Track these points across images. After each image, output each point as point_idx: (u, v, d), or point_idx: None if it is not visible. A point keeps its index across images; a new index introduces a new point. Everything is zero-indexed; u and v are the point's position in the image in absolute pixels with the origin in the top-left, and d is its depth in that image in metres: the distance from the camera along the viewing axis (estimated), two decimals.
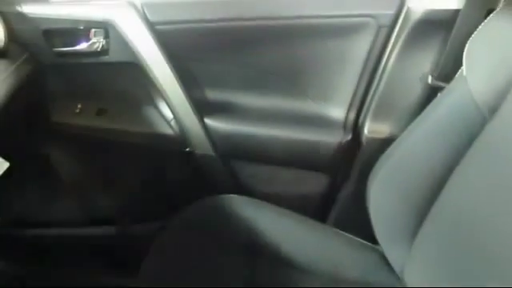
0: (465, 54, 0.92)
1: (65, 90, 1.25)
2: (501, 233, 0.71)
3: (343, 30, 1.13)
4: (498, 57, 0.85)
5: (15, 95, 0.97)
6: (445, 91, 0.97)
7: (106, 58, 1.15)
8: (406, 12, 1.06)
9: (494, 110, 0.82)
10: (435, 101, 0.98)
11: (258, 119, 1.26)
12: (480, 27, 0.91)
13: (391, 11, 1.07)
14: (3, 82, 0.95)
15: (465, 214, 0.84)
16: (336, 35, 1.13)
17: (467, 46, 0.92)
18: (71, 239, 1.45)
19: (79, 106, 1.27)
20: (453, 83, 0.95)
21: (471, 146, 0.86)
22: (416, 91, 1.11)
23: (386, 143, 1.09)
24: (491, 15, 0.89)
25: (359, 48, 1.14)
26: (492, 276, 0.65)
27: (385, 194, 1.05)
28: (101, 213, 1.44)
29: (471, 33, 0.92)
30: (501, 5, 0.90)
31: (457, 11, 1.00)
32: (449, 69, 1.01)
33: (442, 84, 1.02)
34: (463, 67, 0.92)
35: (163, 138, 1.27)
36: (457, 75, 0.94)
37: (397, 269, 1.02)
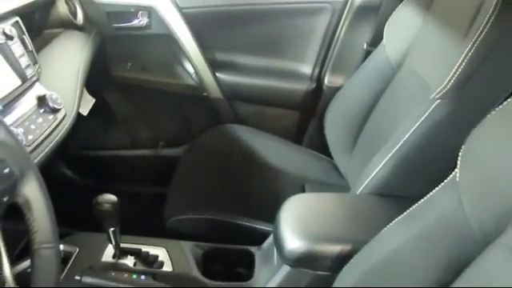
0: (385, 29, 1.27)
1: (120, 53, 1.55)
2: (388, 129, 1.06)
3: (310, 12, 1.48)
4: (403, 31, 1.18)
5: (91, 57, 1.30)
6: (373, 54, 1.31)
7: (148, 31, 1.47)
8: (351, 0, 1.42)
9: (400, 65, 1.18)
10: (367, 60, 1.32)
11: (252, 73, 1.57)
12: (395, 11, 1.25)
13: None
14: (87, 49, 1.29)
15: (379, 127, 1.18)
16: (304, 15, 1.48)
17: (387, 24, 1.27)
18: (120, 159, 1.72)
19: (129, 64, 1.56)
20: (377, 48, 1.29)
21: (386, 89, 1.21)
22: (357, 54, 1.45)
23: (338, 89, 1.41)
24: (401, 3, 1.23)
25: (320, 24, 1.49)
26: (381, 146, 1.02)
27: (335, 122, 1.37)
28: (142, 139, 1.71)
29: (390, 15, 1.27)
30: None
31: (382, 0, 1.37)
32: (376, 39, 1.33)
33: (372, 49, 1.34)
34: (384, 38, 1.27)
35: (187, 86, 1.58)
36: (380, 43, 1.27)
37: (343, 172, 1.34)
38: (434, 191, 0.68)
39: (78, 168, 1.69)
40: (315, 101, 1.56)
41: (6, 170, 0.57)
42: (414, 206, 0.69)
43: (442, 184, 0.67)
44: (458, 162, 0.64)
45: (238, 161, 1.39)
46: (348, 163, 1.30)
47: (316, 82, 1.56)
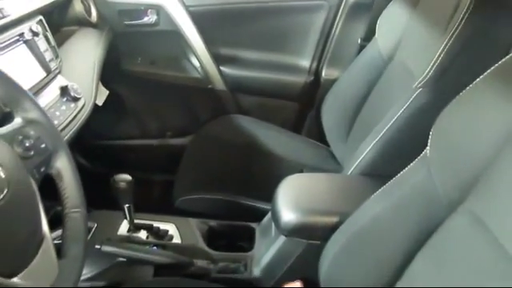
0: (377, 25, 1.36)
1: (130, 48, 1.64)
2: (379, 117, 1.14)
3: (308, 9, 1.58)
4: (393, 26, 1.26)
5: (105, 52, 1.40)
6: (366, 48, 1.40)
7: (157, 28, 1.57)
8: None
9: (390, 58, 1.26)
10: (361, 54, 1.41)
11: (254, 67, 1.66)
12: (386, 9, 1.34)
13: None
14: (101, 45, 1.39)
15: (371, 115, 1.25)
16: (303, 12, 1.58)
17: (379, 20, 1.36)
18: (130, 148, 1.81)
19: (139, 58, 1.66)
20: (370, 43, 1.38)
21: (378, 81, 1.29)
22: (352, 48, 1.55)
23: (335, 81, 1.48)
24: (392, 1, 1.32)
25: (318, 21, 1.59)
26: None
27: (331, 112, 1.45)
28: (151, 130, 1.80)
29: (381, 12, 1.36)
30: None
31: None
32: (369, 34, 1.43)
33: (365, 43, 1.43)
34: (376, 33, 1.36)
35: (193, 79, 1.66)
36: (373, 38, 1.36)
37: (339, 159, 1.41)
38: (408, 166, 0.78)
39: (91, 157, 1.78)
40: (313, 92, 1.65)
41: (43, 146, 0.68)
42: (391, 180, 0.79)
43: (416, 160, 0.77)
44: (429, 140, 0.74)
45: (240, 148, 1.49)
46: (343, 150, 1.38)
47: (314, 75, 1.66)
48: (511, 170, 0.57)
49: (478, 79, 0.69)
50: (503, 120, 0.61)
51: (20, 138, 0.64)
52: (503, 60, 0.66)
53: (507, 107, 0.61)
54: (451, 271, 0.63)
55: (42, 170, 0.68)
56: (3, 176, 0.57)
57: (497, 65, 0.66)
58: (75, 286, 0.64)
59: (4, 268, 0.55)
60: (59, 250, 0.67)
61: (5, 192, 0.56)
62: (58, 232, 0.72)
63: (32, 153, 0.65)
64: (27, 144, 0.65)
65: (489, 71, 0.67)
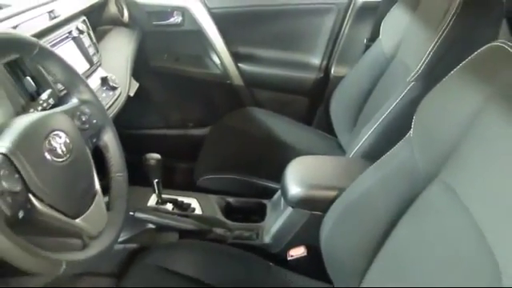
0: (381, 27, 1.48)
1: (157, 46, 1.78)
2: (377, 104, 1.26)
3: (319, 12, 1.71)
4: (396, 28, 1.37)
5: (136, 49, 1.54)
6: (371, 47, 1.52)
7: (182, 28, 1.71)
8: (354, 2, 1.65)
9: (393, 56, 1.37)
10: (366, 53, 1.54)
11: (269, 64, 1.79)
12: (389, 12, 1.46)
13: (345, 1, 1.66)
14: (133, 42, 1.54)
15: (374, 108, 1.32)
16: (314, 15, 1.71)
17: (383, 22, 1.48)
18: (155, 137, 1.95)
19: (165, 55, 1.80)
20: (375, 43, 1.49)
21: (381, 77, 1.40)
22: (359, 48, 1.68)
23: (343, 78, 1.60)
24: (395, 5, 1.44)
25: (327, 23, 1.71)
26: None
27: (339, 106, 1.57)
28: (174, 121, 1.94)
29: (385, 15, 1.47)
30: None
31: (379, 2, 1.59)
32: (374, 35, 1.54)
33: (371, 43, 1.55)
34: (380, 34, 1.47)
35: (214, 75, 1.80)
36: (377, 39, 1.48)
37: (345, 149, 1.49)
38: (395, 146, 0.91)
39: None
40: (323, 88, 1.77)
41: (94, 121, 0.84)
42: (381, 158, 0.93)
43: (402, 140, 0.90)
44: (413, 123, 0.87)
45: (255, 137, 1.60)
46: (349, 140, 1.46)
47: (324, 72, 1.78)
48: (477, 146, 0.69)
49: (452, 71, 0.82)
50: (471, 104, 0.73)
51: (78, 113, 0.80)
52: (472, 56, 0.78)
53: (474, 94, 0.73)
54: (426, 234, 0.75)
55: (94, 140, 0.84)
56: (68, 141, 0.72)
57: (467, 59, 0.79)
58: (119, 233, 0.80)
59: (69, 211, 0.71)
60: (107, 205, 0.83)
61: (70, 153, 0.72)
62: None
63: (87, 126, 0.81)
64: (83, 119, 0.81)
65: (461, 65, 0.80)
